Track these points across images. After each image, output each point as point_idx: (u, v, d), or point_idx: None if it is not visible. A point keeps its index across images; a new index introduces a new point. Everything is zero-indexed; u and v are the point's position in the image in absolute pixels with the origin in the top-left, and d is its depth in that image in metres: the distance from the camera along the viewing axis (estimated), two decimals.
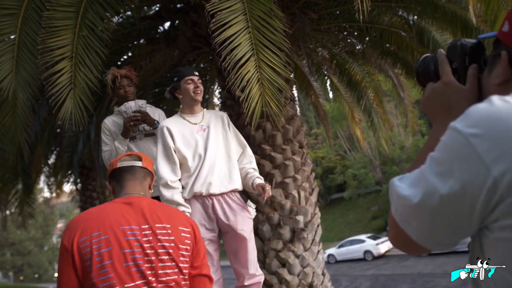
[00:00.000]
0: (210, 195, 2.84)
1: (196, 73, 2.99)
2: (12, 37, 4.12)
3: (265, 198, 2.81)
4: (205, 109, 3.05)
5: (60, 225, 50.01)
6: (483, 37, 0.94)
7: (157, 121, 3.32)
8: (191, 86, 2.91)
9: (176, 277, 1.71)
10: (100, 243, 1.63)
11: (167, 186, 2.80)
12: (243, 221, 2.81)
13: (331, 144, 12.31)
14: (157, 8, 6.12)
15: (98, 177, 11.58)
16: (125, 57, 6.31)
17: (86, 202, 12.51)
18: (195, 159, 2.84)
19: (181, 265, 1.73)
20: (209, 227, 2.85)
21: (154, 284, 1.66)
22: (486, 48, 0.97)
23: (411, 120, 8.94)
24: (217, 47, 3.05)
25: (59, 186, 13.91)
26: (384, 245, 22.06)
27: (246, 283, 2.88)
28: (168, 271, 1.70)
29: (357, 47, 6.99)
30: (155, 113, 3.50)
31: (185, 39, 5.31)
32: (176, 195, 2.78)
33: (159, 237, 1.70)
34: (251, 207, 2.94)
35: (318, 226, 5.71)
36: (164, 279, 1.68)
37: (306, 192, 5.52)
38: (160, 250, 1.69)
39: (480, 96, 0.90)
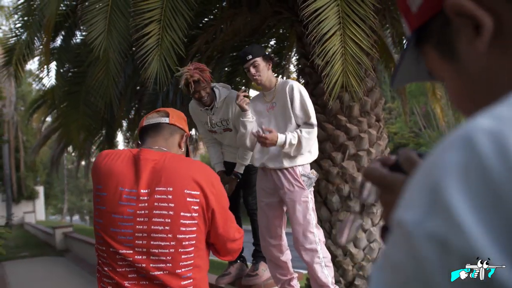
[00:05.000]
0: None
1: (249, 57, 2.84)
2: None
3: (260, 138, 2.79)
4: (279, 81, 2.98)
5: None
6: None
7: None
8: (250, 75, 2.92)
9: (172, 250, 1.52)
10: (98, 198, 1.59)
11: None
12: (293, 189, 2.85)
13: (407, 120, 11.85)
14: None
15: None
16: (206, 19, 6.40)
17: None
18: None
19: (180, 236, 1.52)
20: (269, 191, 2.98)
21: (140, 257, 1.52)
22: None
23: None
24: (305, 19, 3.02)
25: (136, 140, 14.68)
26: None
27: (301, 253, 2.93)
28: (162, 243, 1.51)
29: None
30: (232, 104, 3.20)
31: (268, 3, 5.29)
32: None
33: (156, 203, 1.52)
34: (307, 177, 2.89)
35: None
36: (156, 251, 1.52)
37: None
38: (154, 219, 1.52)
39: None
